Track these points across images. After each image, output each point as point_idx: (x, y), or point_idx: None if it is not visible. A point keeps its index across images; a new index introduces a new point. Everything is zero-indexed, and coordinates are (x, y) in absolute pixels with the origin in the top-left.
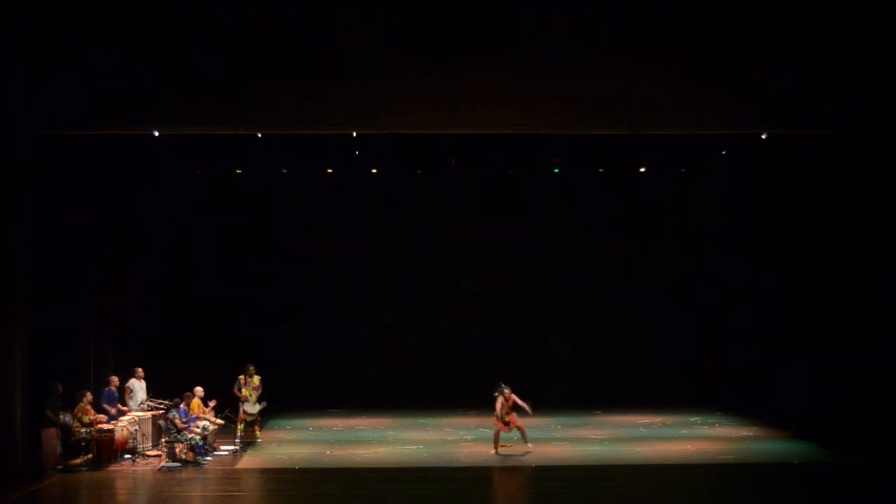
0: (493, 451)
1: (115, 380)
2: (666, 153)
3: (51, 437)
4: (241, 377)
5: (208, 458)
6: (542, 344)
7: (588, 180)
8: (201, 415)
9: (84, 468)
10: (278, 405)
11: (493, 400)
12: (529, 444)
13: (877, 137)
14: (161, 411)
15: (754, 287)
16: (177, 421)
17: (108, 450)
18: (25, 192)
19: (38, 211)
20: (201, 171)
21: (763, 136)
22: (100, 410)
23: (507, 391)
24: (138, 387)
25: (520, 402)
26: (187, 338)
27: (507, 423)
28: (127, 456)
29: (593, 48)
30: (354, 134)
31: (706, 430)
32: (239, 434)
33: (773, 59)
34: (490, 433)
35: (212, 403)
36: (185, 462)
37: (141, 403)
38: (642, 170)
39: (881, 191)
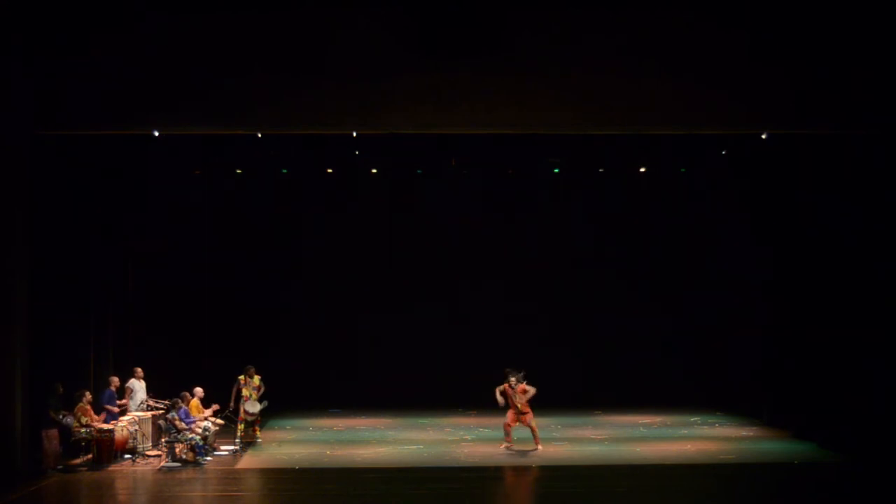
0: (502, 446)
1: (115, 380)
2: (666, 153)
3: (51, 437)
4: (242, 377)
5: (208, 458)
6: (542, 344)
7: (588, 180)
8: (200, 415)
9: (84, 468)
10: (278, 405)
11: (505, 385)
12: (539, 447)
13: (877, 137)
14: (161, 411)
15: (754, 286)
16: (176, 421)
17: (108, 450)
18: (25, 192)
19: (38, 211)
20: (201, 171)
21: (763, 136)
22: (100, 410)
23: (513, 380)
24: (138, 387)
25: (528, 388)
26: (187, 338)
27: (523, 414)
28: (127, 456)
29: (593, 48)
30: (354, 134)
31: (706, 430)
32: (239, 434)
33: (773, 59)
34: (490, 432)
35: (213, 408)
36: (185, 462)
37: (141, 403)
38: (642, 170)
39: (882, 190)
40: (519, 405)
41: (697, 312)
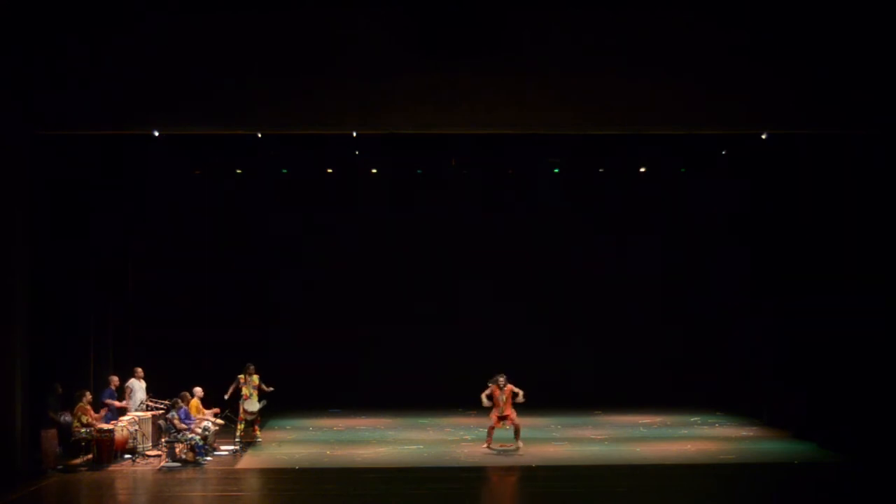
0: (484, 446)
1: (115, 380)
2: (666, 153)
3: (51, 437)
4: (241, 376)
5: (208, 458)
6: (543, 344)
7: (588, 180)
8: (200, 415)
9: (84, 468)
10: (278, 405)
11: (493, 387)
12: (520, 444)
13: (877, 137)
14: (161, 411)
15: (754, 286)
16: (176, 421)
17: (108, 450)
18: (25, 192)
19: (38, 211)
20: (201, 171)
21: (763, 136)
22: (100, 408)
23: (501, 380)
24: (138, 387)
25: (517, 390)
26: (187, 338)
27: (504, 418)
28: (127, 456)
29: (593, 48)
30: (354, 134)
31: (706, 430)
32: (239, 434)
33: (772, 59)
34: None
35: (213, 410)
36: (185, 462)
37: (141, 403)
38: (642, 170)
39: (882, 191)
40: (503, 407)
41: (697, 312)
